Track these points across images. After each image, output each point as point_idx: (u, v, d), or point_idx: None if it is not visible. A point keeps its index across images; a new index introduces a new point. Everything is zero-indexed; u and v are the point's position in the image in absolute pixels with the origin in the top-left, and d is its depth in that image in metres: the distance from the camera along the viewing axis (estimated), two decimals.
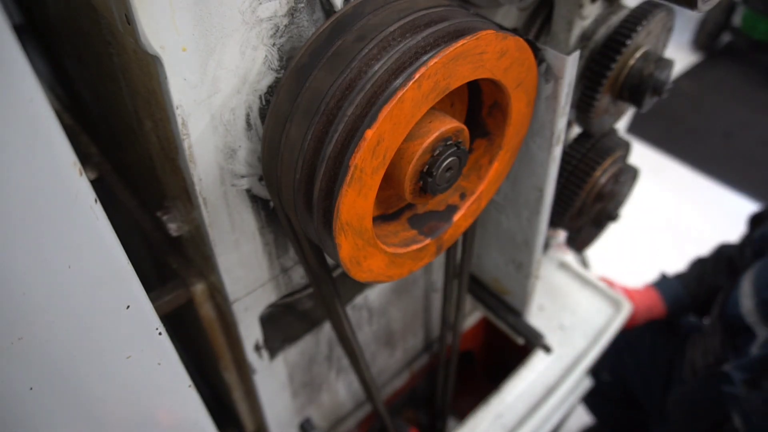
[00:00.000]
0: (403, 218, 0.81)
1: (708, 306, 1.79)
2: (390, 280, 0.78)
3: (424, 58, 0.59)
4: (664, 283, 1.81)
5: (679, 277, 1.82)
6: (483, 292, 1.31)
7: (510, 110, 0.75)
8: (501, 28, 0.67)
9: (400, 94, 0.58)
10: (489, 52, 0.64)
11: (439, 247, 0.82)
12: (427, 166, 0.68)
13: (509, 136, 0.78)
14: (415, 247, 0.78)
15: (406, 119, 0.61)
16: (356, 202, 0.64)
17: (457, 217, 0.81)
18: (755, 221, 1.76)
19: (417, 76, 0.58)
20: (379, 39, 0.61)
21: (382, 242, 0.75)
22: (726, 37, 4.60)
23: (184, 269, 0.92)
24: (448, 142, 0.67)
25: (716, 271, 1.76)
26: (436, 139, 0.66)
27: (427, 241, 0.79)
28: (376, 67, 0.60)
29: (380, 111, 0.58)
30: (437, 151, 0.67)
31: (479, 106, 0.79)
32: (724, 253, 1.78)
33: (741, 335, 1.50)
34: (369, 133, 0.58)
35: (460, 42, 0.60)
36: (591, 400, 1.99)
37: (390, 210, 0.81)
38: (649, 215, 3.23)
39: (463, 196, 0.82)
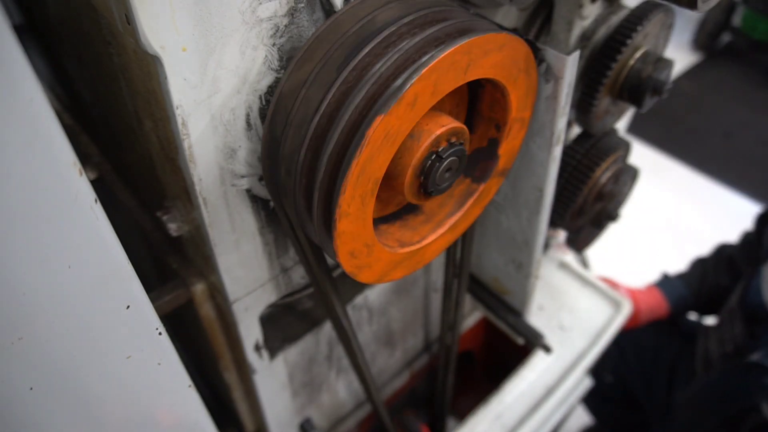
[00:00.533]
0: None
1: (709, 305, 1.79)
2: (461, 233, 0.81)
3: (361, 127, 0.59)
4: (666, 283, 1.81)
5: (682, 277, 1.82)
6: (483, 292, 1.31)
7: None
8: (501, 28, 0.67)
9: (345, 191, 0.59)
10: (421, 99, 0.61)
11: (501, 174, 0.81)
12: (423, 176, 0.68)
13: (505, 72, 0.74)
14: (472, 200, 0.77)
15: (375, 173, 0.61)
16: (370, 275, 0.69)
17: (502, 149, 0.79)
18: (764, 220, 1.75)
19: (353, 170, 0.59)
20: (310, 132, 0.62)
21: (435, 221, 0.77)
22: (726, 37, 4.60)
23: (184, 269, 0.92)
24: (441, 149, 0.67)
25: (717, 270, 1.77)
26: (425, 151, 0.66)
27: (482, 186, 0.78)
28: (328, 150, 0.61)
29: (336, 211, 0.60)
30: (429, 162, 0.67)
31: None
32: (724, 253, 1.78)
33: (761, 323, 1.50)
34: (339, 226, 0.61)
35: (374, 125, 0.57)
36: (592, 400, 1.99)
37: None
38: (649, 215, 3.23)
39: (498, 127, 0.79)
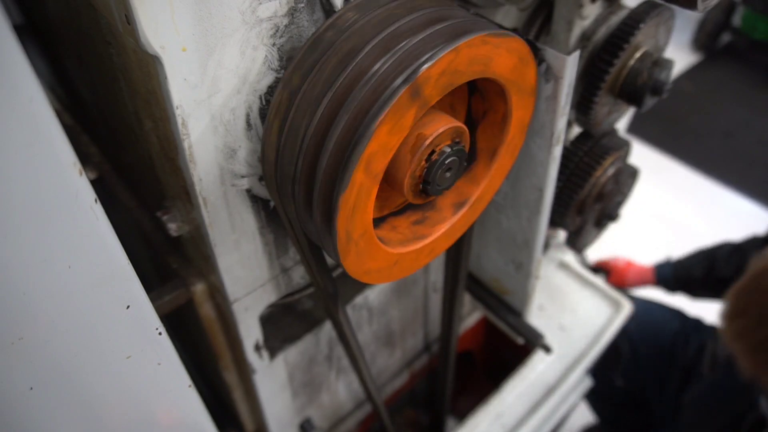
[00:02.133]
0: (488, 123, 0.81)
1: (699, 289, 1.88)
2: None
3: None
4: (663, 265, 1.96)
5: (677, 263, 1.93)
6: (483, 291, 1.31)
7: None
8: (500, 27, 0.67)
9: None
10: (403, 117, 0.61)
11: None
12: (422, 178, 0.68)
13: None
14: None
15: (375, 173, 0.62)
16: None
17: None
18: None
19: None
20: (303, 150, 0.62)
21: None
22: (726, 37, 4.60)
23: (184, 269, 0.92)
24: (440, 150, 0.67)
25: (721, 262, 1.83)
26: (424, 152, 0.66)
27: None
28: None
29: (336, 210, 0.61)
30: (428, 163, 0.67)
31: None
32: (727, 247, 1.81)
33: None
34: (339, 226, 0.62)
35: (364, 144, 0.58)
36: (599, 403, 1.98)
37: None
38: (650, 215, 3.23)
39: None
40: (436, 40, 0.61)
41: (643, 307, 1.86)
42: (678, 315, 1.90)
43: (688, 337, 1.85)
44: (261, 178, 0.76)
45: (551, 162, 0.91)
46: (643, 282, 1.93)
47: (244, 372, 1.04)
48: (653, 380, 1.86)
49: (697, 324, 1.86)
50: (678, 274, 1.88)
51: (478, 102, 0.79)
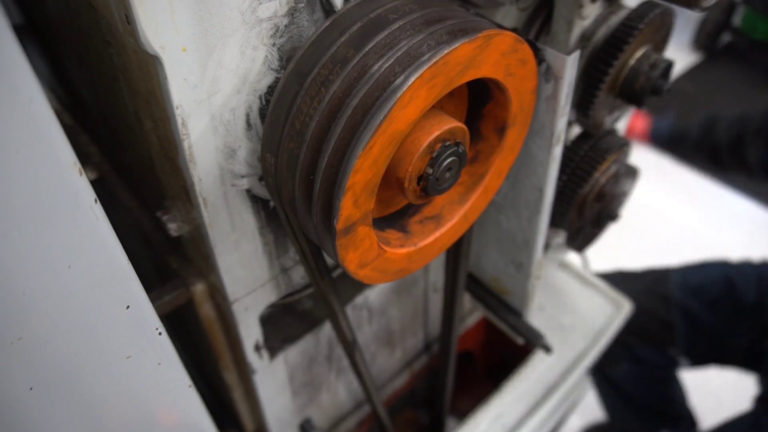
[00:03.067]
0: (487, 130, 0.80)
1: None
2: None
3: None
4: (661, 120, 2.05)
5: (677, 121, 2.02)
6: (483, 291, 1.31)
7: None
8: (500, 27, 0.67)
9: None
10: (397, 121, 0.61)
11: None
12: (422, 178, 0.68)
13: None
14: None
15: (374, 173, 0.62)
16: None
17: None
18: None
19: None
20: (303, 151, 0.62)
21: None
22: (726, 37, 4.60)
23: (184, 269, 0.92)
24: (440, 149, 0.67)
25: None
26: (424, 151, 0.65)
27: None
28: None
29: (336, 211, 0.61)
30: (428, 163, 0.67)
31: None
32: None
33: None
34: (339, 225, 0.62)
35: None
36: (633, 414, 1.89)
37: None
38: (650, 215, 3.23)
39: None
40: (436, 40, 0.61)
41: (683, 274, 1.76)
42: (721, 263, 1.78)
43: (745, 274, 1.73)
44: (261, 178, 0.76)
45: (551, 162, 0.91)
46: (636, 136, 1.92)
47: (244, 372, 1.04)
48: (723, 336, 1.71)
49: (746, 263, 1.76)
50: (675, 130, 1.88)
51: (481, 98, 0.79)
